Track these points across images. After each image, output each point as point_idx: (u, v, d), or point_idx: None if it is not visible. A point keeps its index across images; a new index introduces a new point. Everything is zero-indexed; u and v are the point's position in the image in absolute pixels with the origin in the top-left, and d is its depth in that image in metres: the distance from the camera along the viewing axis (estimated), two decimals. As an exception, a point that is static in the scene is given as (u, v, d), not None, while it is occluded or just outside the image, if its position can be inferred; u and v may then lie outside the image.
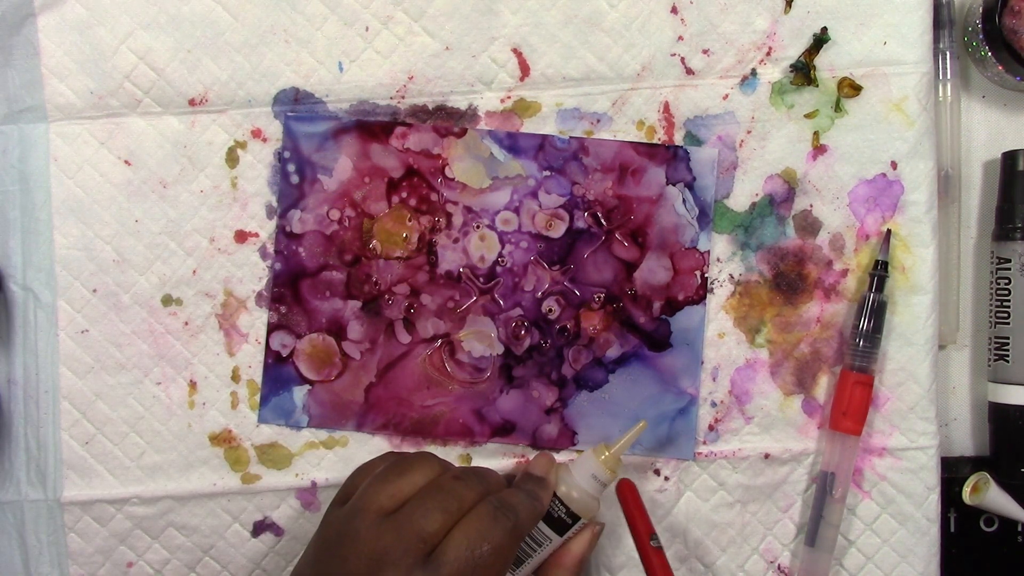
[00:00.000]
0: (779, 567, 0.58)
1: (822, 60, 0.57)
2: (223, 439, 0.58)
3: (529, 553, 0.51)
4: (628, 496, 0.53)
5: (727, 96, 0.57)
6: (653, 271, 0.57)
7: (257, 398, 0.58)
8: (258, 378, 0.58)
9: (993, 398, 0.58)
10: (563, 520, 0.50)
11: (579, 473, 0.51)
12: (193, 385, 0.58)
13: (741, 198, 0.57)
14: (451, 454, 0.58)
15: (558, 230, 0.57)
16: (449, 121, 0.57)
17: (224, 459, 0.58)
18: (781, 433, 0.58)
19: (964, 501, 0.57)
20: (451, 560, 0.42)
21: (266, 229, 0.58)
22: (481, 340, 0.57)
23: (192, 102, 0.57)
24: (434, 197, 0.57)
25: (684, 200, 0.57)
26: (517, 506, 0.46)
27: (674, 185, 0.57)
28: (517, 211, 0.57)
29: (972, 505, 0.57)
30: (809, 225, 0.57)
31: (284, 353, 0.58)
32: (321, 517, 0.49)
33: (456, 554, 0.43)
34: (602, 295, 0.57)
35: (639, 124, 0.57)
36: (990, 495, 0.57)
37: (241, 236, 0.58)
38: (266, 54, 0.57)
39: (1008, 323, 0.57)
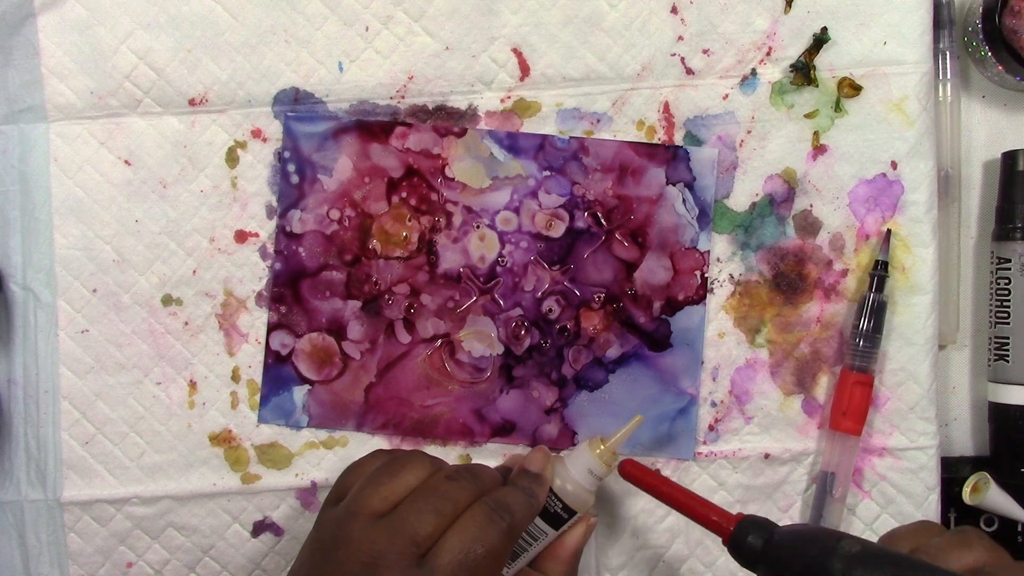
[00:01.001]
0: (779, 567, 0.58)
1: (822, 60, 0.57)
2: (223, 439, 0.58)
3: (524, 548, 0.51)
4: (638, 471, 0.51)
5: (727, 96, 0.57)
6: (653, 271, 0.57)
7: (257, 398, 0.58)
8: (258, 378, 0.58)
9: (993, 398, 0.58)
10: (559, 515, 0.50)
11: (574, 467, 0.51)
12: (193, 385, 0.58)
13: (741, 198, 0.57)
14: (451, 454, 0.58)
15: (558, 230, 0.57)
16: (449, 121, 0.57)
17: (224, 459, 0.58)
18: (781, 433, 0.58)
19: (964, 501, 0.57)
20: (445, 563, 0.42)
21: (266, 229, 0.58)
22: (481, 340, 0.57)
23: (192, 102, 0.57)
24: (434, 197, 0.57)
25: (684, 200, 0.57)
26: (513, 506, 0.46)
27: (674, 185, 0.57)
28: (517, 211, 0.57)
29: (972, 505, 0.57)
30: (809, 225, 0.57)
31: (284, 353, 0.58)
32: None
33: (450, 557, 0.42)
34: (602, 295, 0.57)
35: (639, 124, 0.57)
36: (990, 495, 0.57)
37: (241, 236, 0.58)
38: (266, 54, 0.57)
39: (1008, 323, 0.57)
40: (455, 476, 0.46)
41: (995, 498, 0.57)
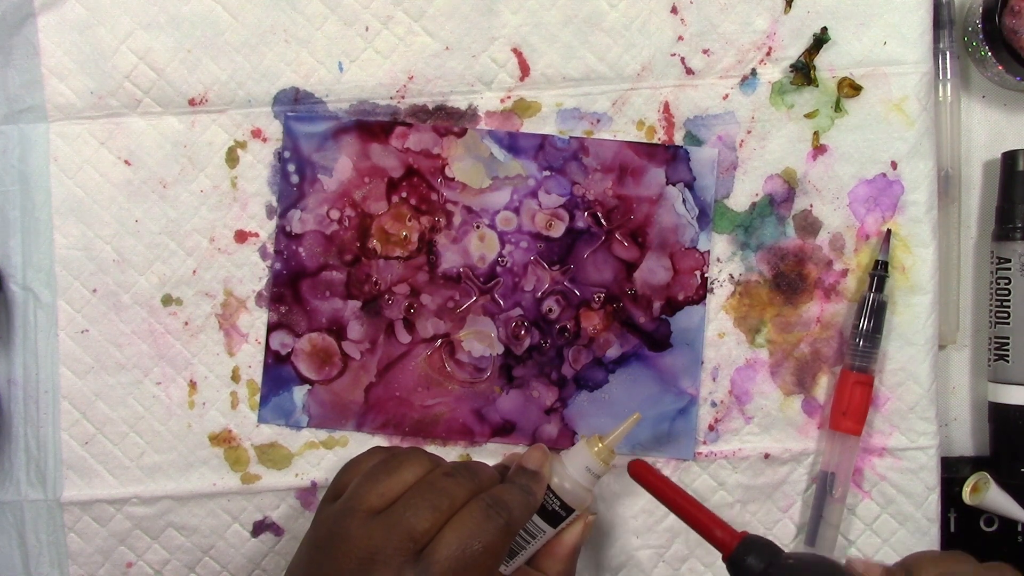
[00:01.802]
0: (779, 567, 0.58)
1: (822, 60, 0.57)
2: (223, 439, 0.58)
3: (522, 545, 0.51)
4: (646, 473, 0.50)
5: (727, 96, 0.57)
6: (653, 271, 0.57)
7: (257, 398, 0.58)
8: (258, 378, 0.58)
9: (993, 398, 0.58)
10: (557, 512, 0.50)
11: (572, 465, 0.51)
12: (193, 385, 0.58)
13: (741, 198, 0.57)
14: (451, 454, 0.58)
15: (558, 230, 0.57)
16: (449, 121, 0.57)
17: (224, 459, 0.58)
18: (781, 433, 0.58)
19: (964, 501, 0.57)
20: (442, 559, 0.42)
21: (266, 229, 0.58)
22: (481, 340, 0.57)
23: (192, 102, 0.57)
24: (434, 197, 0.57)
25: (684, 200, 0.57)
26: (510, 503, 0.46)
27: (674, 185, 0.57)
28: (517, 211, 0.57)
29: (972, 505, 0.57)
30: (809, 225, 0.57)
31: (284, 353, 0.57)
32: None
33: (447, 552, 0.42)
34: (602, 295, 0.57)
35: (639, 124, 0.57)
36: (990, 495, 0.57)
37: (241, 236, 0.58)
38: (266, 54, 0.57)
39: (1008, 323, 0.57)
40: (453, 473, 0.46)
41: (995, 498, 0.57)
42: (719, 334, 0.58)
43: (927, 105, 0.56)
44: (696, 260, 0.57)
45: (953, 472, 0.58)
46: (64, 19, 0.57)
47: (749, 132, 0.57)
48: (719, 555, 0.58)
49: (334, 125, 0.57)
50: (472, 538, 0.43)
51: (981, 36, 0.57)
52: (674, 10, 0.57)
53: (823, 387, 0.58)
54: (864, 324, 0.56)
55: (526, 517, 0.48)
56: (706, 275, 0.57)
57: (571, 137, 0.57)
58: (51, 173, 0.57)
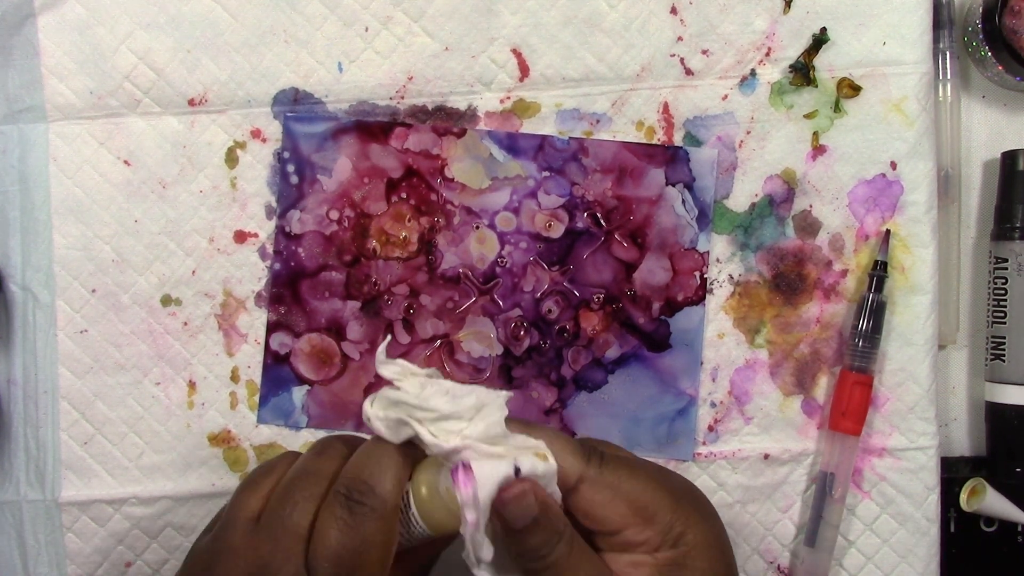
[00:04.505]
0: (779, 567, 0.58)
1: (821, 60, 0.57)
2: (222, 439, 0.58)
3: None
4: None
5: (726, 96, 0.57)
6: (652, 272, 0.57)
7: (256, 398, 0.58)
8: (257, 378, 0.58)
9: (989, 397, 0.58)
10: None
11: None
12: (192, 385, 0.58)
13: (741, 199, 0.57)
14: (450, 454, 0.58)
15: (557, 230, 0.57)
16: (448, 121, 0.57)
17: (223, 459, 0.58)
18: (781, 433, 0.58)
19: (962, 508, 0.57)
20: (324, 561, 0.37)
21: (265, 229, 0.58)
22: (480, 341, 0.57)
23: (192, 102, 0.57)
24: (433, 197, 0.57)
25: (683, 201, 0.57)
26: (374, 480, 0.39)
27: (673, 186, 0.57)
28: (516, 211, 0.57)
29: (971, 511, 0.57)
30: (809, 225, 0.57)
31: (283, 353, 0.57)
32: None
33: (326, 553, 0.37)
34: (601, 296, 0.57)
35: (638, 125, 0.57)
36: (987, 500, 0.57)
37: (240, 236, 0.58)
38: (266, 54, 0.57)
39: (1004, 323, 0.57)
40: (322, 450, 0.41)
41: (992, 502, 0.57)
42: (718, 335, 0.57)
43: (927, 105, 0.56)
44: (695, 261, 0.57)
45: (953, 472, 0.58)
46: (64, 19, 0.57)
47: (748, 133, 0.57)
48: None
49: (333, 126, 0.57)
50: (343, 534, 0.38)
51: (981, 36, 0.57)
52: (673, 11, 0.57)
53: (823, 387, 0.58)
54: (863, 324, 0.56)
55: (398, 489, 0.40)
56: (705, 276, 0.57)
57: (570, 138, 0.57)
58: (50, 173, 0.57)
